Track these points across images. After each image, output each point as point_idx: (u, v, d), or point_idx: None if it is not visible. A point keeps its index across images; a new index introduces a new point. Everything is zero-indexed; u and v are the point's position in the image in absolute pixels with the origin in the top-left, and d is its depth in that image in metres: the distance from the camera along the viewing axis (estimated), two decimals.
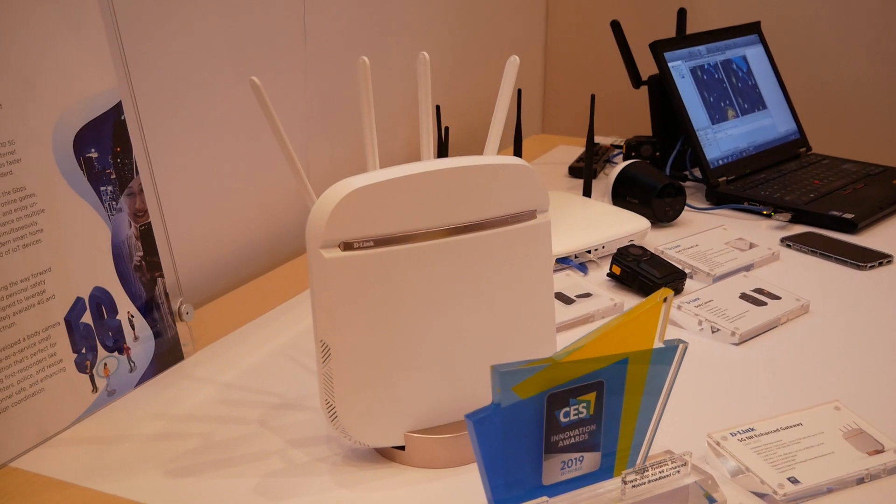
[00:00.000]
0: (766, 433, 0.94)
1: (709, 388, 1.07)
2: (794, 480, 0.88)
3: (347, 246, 0.86)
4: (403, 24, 1.78)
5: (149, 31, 1.22)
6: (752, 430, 0.94)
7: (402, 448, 0.93)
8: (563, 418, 0.79)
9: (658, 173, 1.59)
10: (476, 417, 0.75)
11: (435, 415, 0.93)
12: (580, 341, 0.79)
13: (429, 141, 0.98)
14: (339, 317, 0.88)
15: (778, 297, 1.25)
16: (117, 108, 1.06)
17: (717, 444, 0.92)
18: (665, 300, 0.81)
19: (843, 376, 1.10)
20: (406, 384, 0.91)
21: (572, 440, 0.80)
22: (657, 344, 0.82)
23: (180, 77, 1.29)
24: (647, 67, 1.76)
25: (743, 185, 1.68)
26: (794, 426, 0.95)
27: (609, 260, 1.36)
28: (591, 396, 0.80)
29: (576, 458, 0.81)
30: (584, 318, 1.23)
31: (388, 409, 0.91)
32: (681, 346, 0.82)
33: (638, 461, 0.85)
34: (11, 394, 0.94)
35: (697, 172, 1.75)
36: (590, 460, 0.82)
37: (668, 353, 0.82)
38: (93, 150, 1.03)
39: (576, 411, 0.79)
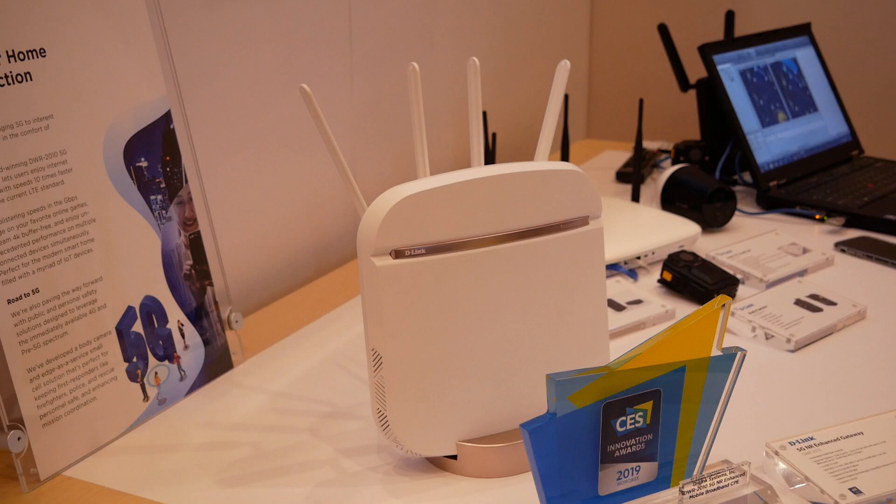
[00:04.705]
0: (826, 442, 0.92)
1: (765, 397, 1.05)
2: (855, 491, 0.86)
3: (399, 254, 0.86)
4: (447, 30, 1.77)
5: (197, 41, 1.23)
6: (812, 438, 0.92)
7: (455, 457, 0.92)
8: (619, 427, 0.78)
9: (708, 178, 1.57)
10: (532, 427, 0.74)
11: (487, 423, 0.92)
12: (637, 349, 0.78)
13: (479, 147, 0.98)
14: (390, 325, 0.87)
15: (833, 303, 1.23)
16: (167, 117, 1.06)
17: (776, 453, 0.90)
18: (723, 307, 0.80)
19: None
20: (458, 393, 0.90)
21: (629, 450, 0.79)
22: (715, 352, 0.81)
23: (228, 85, 1.29)
24: (694, 71, 1.75)
25: (794, 189, 1.66)
26: (855, 435, 0.93)
27: (659, 266, 1.34)
28: (648, 405, 0.79)
29: (632, 468, 0.80)
30: (635, 324, 1.21)
31: (440, 418, 0.90)
32: (739, 353, 0.81)
33: (695, 471, 0.84)
34: (64, 402, 0.94)
35: (748, 177, 1.73)
36: (646, 470, 0.81)
37: (726, 361, 0.81)
38: (143, 159, 1.03)
39: (632, 420, 0.78)
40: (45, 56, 0.93)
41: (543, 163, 0.93)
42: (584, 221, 0.93)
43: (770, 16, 2.07)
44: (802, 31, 1.86)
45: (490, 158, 1.56)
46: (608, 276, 1.34)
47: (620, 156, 2.00)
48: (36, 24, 0.93)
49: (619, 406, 0.77)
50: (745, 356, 0.81)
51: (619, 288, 1.30)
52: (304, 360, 1.17)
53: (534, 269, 0.91)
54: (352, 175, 0.92)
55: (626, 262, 1.39)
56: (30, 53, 0.92)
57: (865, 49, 2.07)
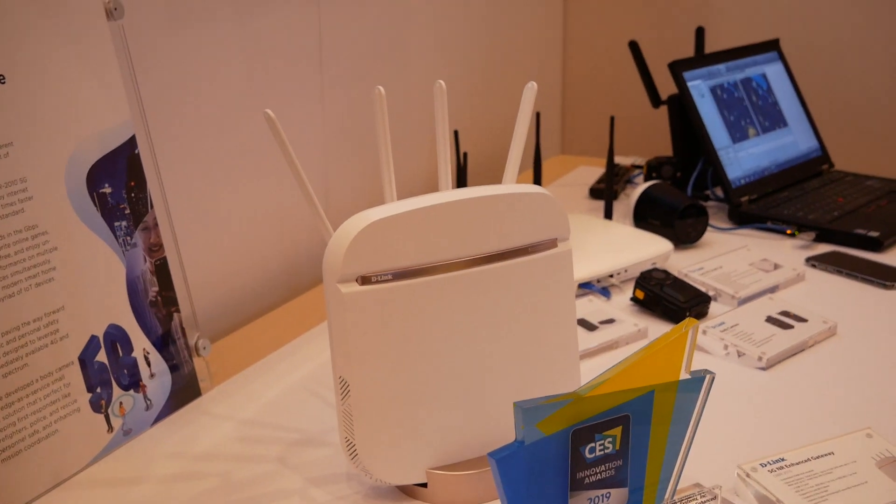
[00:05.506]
0: (797, 463, 0.91)
1: (736, 416, 1.05)
2: None
3: (365, 280, 0.85)
4: (421, 50, 1.77)
5: (163, 64, 1.21)
6: (783, 459, 0.92)
7: (425, 485, 0.91)
8: (588, 454, 0.77)
9: (680, 194, 1.57)
10: (499, 456, 0.73)
11: (458, 450, 0.91)
12: (604, 374, 0.77)
13: (447, 170, 0.97)
14: (357, 352, 0.86)
15: (804, 320, 1.23)
16: (131, 142, 1.05)
17: (748, 475, 0.90)
18: (691, 330, 0.79)
19: (875, 401, 1.07)
20: (427, 420, 0.89)
21: (599, 476, 0.78)
22: (683, 375, 0.80)
23: (195, 109, 1.28)
24: (667, 87, 1.75)
25: (766, 205, 1.66)
26: (826, 455, 0.93)
27: (632, 283, 1.34)
28: (617, 431, 0.78)
29: (603, 495, 0.79)
30: (608, 344, 1.21)
31: (409, 446, 0.89)
32: (708, 376, 0.80)
33: (666, 496, 0.83)
34: (25, 436, 0.93)
35: (719, 192, 1.73)
36: (617, 496, 0.80)
37: (695, 385, 0.80)
38: (106, 185, 1.02)
39: (601, 447, 0.77)
40: (3, 83, 0.92)
41: (511, 185, 0.93)
42: (552, 244, 0.92)
43: (739, 32, 2.08)
44: (771, 46, 1.86)
45: (461, 178, 1.55)
46: (581, 295, 1.34)
47: (594, 172, 1.99)
48: None
49: (587, 432, 0.76)
50: (713, 379, 0.80)
51: (592, 307, 1.29)
52: (274, 386, 1.16)
53: (502, 293, 0.90)
54: (320, 200, 0.91)
55: (598, 281, 1.38)
56: None
57: (834, 64, 2.07)
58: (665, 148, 1.88)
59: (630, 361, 0.78)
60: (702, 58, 1.75)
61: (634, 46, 1.77)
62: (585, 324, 1.24)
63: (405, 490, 0.93)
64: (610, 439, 0.78)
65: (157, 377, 1.07)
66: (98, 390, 1.00)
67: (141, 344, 1.05)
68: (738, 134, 1.72)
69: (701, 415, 0.81)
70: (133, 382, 1.04)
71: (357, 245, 0.83)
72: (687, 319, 0.80)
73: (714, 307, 1.32)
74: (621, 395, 0.77)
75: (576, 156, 2.24)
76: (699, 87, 1.70)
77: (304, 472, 0.97)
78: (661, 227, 1.53)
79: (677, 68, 1.69)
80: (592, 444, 0.77)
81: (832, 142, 1.91)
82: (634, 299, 1.32)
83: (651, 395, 0.78)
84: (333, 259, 0.84)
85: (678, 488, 0.83)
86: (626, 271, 1.40)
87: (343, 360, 0.87)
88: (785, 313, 1.25)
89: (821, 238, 1.55)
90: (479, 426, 0.91)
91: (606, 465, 0.78)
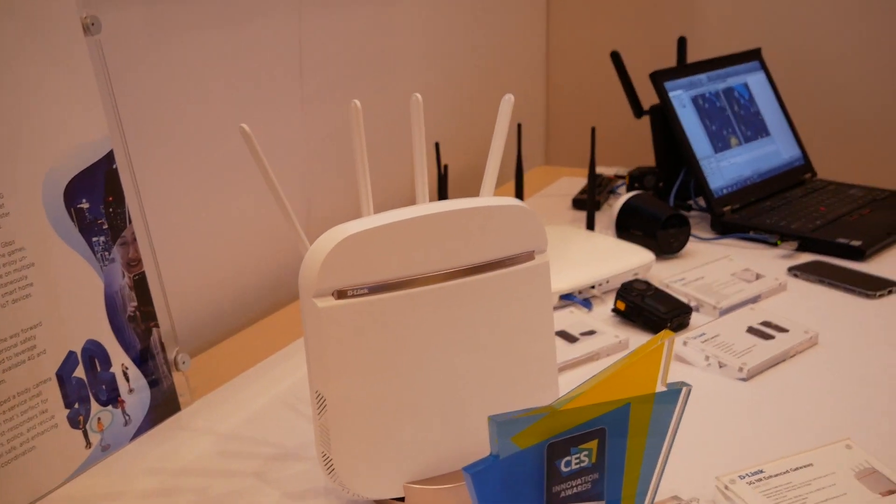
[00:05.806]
0: (776, 475, 0.91)
1: (716, 427, 1.05)
2: None
3: (341, 294, 0.84)
4: (404, 61, 1.77)
5: (141, 77, 1.21)
6: (762, 471, 0.92)
7: (402, 500, 0.91)
8: (564, 468, 0.77)
9: (662, 204, 1.57)
10: (474, 470, 0.73)
11: (435, 464, 0.91)
12: (580, 387, 0.77)
13: (423, 183, 0.97)
14: (334, 367, 0.86)
15: (786, 330, 1.23)
16: (109, 157, 1.04)
17: (726, 487, 0.90)
18: (667, 342, 0.79)
19: (855, 412, 1.07)
20: (405, 434, 0.89)
21: (574, 490, 0.78)
22: (660, 387, 0.80)
23: (173, 123, 1.28)
24: (649, 97, 1.75)
25: (748, 214, 1.66)
26: (805, 467, 0.92)
27: (614, 295, 1.34)
28: (593, 444, 0.78)
29: None
30: (588, 356, 1.21)
31: (386, 460, 0.89)
32: (684, 389, 0.80)
33: None
34: (1, 453, 0.92)
35: (702, 202, 1.73)
36: None
37: (672, 397, 0.80)
38: (84, 200, 1.01)
39: (577, 460, 0.77)
40: None
41: (488, 198, 0.93)
42: (529, 256, 0.92)
43: (721, 42, 2.09)
44: (753, 56, 1.87)
45: (443, 190, 1.55)
46: (562, 307, 1.33)
47: (577, 182, 2.00)
48: None
49: (563, 446, 0.76)
50: (690, 391, 0.80)
51: (573, 319, 1.29)
52: (253, 400, 1.15)
53: (480, 306, 0.90)
54: (299, 213, 0.91)
55: (580, 292, 1.38)
56: None
57: (816, 73, 2.08)
58: (647, 158, 1.88)
59: (606, 374, 0.77)
60: (683, 68, 1.76)
61: (616, 57, 1.77)
62: (566, 335, 1.24)
63: None
64: (586, 452, 0.78)
65: (135, 392, 1.06)
66: (76, 406, 1.00)
67: (119, 359, 1.04)
68: (720, 143, 1.72)
69: (678, 427, 0.81)
70: (111, 398, 1.03)
71: (332, 259, 0.83)
72: (663, 332, 0.80)
73: (695, 318, 1.32)
74: (597, 407, 0.77)
75: (558, 166, 2.24)
76: (681, 97, 1.70)
77: (281, 487, 0.97)
78: (643, 238, 1.54)
79: (659, 78, 1.69)
80: (568, 458, 0.77)
81: (815, 151, 1.92)
82: (616, 310, 1.32)
83: (627, 408, 0.78)
84: (309, 273, 0.84)
85: (656, 501, 0.83)
86: (607, 282, 1.40)
87: (319, 374, 0.87)
88: (766, 324, 1.25)
89: (803, 247, 1.55)
90: (456, 440, 0.91)
91: (583, 478, 0.78)
